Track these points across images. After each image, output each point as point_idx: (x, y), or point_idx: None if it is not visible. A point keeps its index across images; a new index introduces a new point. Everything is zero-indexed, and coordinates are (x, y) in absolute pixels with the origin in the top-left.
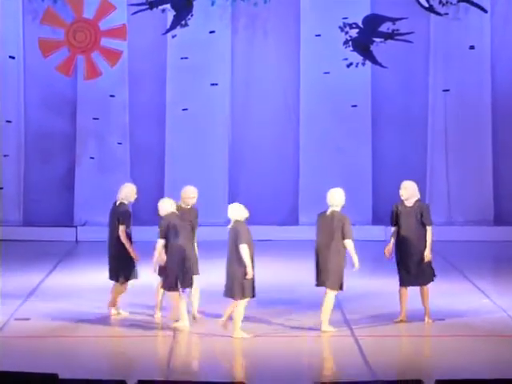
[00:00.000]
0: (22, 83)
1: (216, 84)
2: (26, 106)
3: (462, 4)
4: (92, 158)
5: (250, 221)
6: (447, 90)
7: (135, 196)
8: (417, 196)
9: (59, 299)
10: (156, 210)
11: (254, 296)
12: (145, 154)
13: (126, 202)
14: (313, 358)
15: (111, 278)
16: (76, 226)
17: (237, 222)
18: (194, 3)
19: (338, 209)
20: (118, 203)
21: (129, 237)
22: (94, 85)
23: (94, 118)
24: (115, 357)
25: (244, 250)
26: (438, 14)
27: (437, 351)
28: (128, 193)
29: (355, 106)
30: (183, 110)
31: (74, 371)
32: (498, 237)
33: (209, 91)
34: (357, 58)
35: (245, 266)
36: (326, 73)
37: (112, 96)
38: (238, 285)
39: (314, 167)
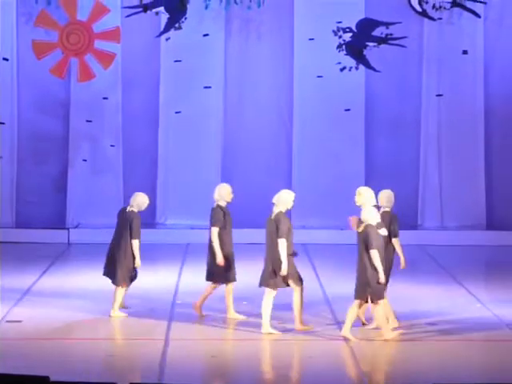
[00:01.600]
0: (15, 85)
1: (209, 87)
2: (20, 107)
3: (456, 9)
4: (85, 160)
5: (243, 224)
6: (440, 95)
7: (231, 196)
8: (373, 202)
9: (51, 301)
10: (149, 212)
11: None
12: (138, 156)
13: (221, 204)
14: (305, 361)
15: (209, 279)
16: (68, 228)
17: (369, 225)
18: (188, 6)
19: (388, 209)
20: (214, 205)
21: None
22: (88, 87)
23: (87, 121)
24: (107, 359)
25: (375, 255)
26: (432, 18)
27: (430, 356)
28: (223, 193)
29: (348, 110)
30: (176, 112)
31: (65, 374)
32: (491, 241)
33: (202, 94)
34: (350, 62)
35: (377, 271)
36: (319, 76)
37: (105, 98)
38: (367, 289)
39: (306, 171)
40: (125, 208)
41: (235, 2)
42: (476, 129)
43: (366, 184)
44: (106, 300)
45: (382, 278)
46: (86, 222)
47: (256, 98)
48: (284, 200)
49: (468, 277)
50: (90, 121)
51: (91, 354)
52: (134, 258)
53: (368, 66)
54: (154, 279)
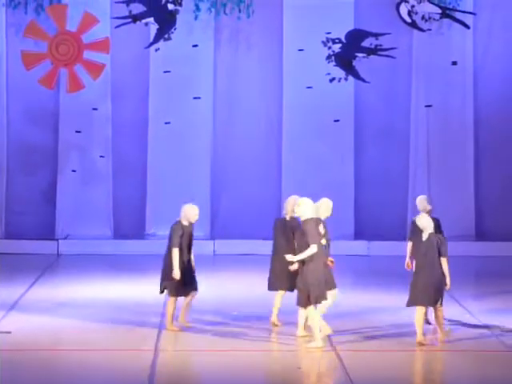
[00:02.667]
0: (4, 96)
1: (199, 98)
2: (9, 118)
3: (445, 20)
4: (74, 170)
5: (231, 235)
6: (429, 106)
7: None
8: (312, 214)
9: (40, 313)
10: (138, 223)
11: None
12: (127, 167)
13: (294, 216)
14: (294, 372)
15: (271, 288)
16: (57, 239)
17: (433, 234)
18: (177, 17)
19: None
20: (288, 217)
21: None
22: (77, 98)
23: (77, 131)
24: (96, 370)
25: (446, 263)
26: (421, 29)
27: (418, 365)
28: (291, 205)
29: (338, 120)
30: (166, 123)
31: None
32: (480, 252)
33: (191, 105)
34: (339, 72)
35: (446, 277)
36: (308, 87)
37: (95, 109)
38: (441, 294)
39: (296, 181)
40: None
41: (224, 13)
42: (465, 139)
43: (356, 194)
44: (95, 311)
45: (449, 285)
46: (75, 232)
47: (245, 108)
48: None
49: (457, 287)
50: (79, 131)
51: (80, 365)
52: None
53: (357, 76)
54: (144, 290)
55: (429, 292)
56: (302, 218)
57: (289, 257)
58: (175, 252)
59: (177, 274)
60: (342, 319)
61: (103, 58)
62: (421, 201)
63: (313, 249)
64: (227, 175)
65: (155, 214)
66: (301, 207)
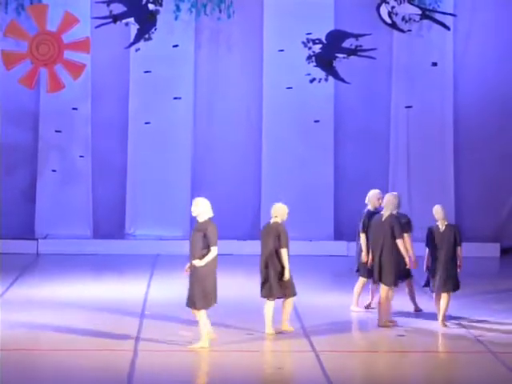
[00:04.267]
0: None
1: (179, 98)
2: None
3: (425, 21)
4: (54, 170)
5: None
6: (409, 107)
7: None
8: (210, 214)
9: (19, 312)
10: (118, 222)
11: None
12: (107, 167)
13: (394, 213)
14: (274, 373)
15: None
16: (37, 239)
17: (450, 225)
18: (158, 17)
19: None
20: (371, 209)
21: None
22: (57, 97)
23: (57, 131)
24: (76, 370)
25: (460, 251)
26: (401, 30)
27: (397, 367)
28: (393, 203)
29: (318, 121)
30: (146, 123)
31: None
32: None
33: (172, 105)
34: (320, 73)
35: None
36: (288, 88)
37: (75, 109)
38: (456, 283)
39: (276, 182)
40: (268, 222)
41: (205, 13)
42: (445, 140)
43: (335, 195)
44: (74, 310)
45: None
46: (54, 232)
47: (225, 108)
48: None
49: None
50: (59, 131)
51: (59, 365)
52: (282, 268)
53: (337, 77)
54: (123, 290)
55: (440, 279)
56: (201, 219)
57: (196, 262)
58: (286, 252)
59: (287, 274)
60: (322, 320)
61: (83, 57)
62: (375, 195)
63: (215, 251)
64: (207, 176)
65: (135, 214)
66: (199, 207)
